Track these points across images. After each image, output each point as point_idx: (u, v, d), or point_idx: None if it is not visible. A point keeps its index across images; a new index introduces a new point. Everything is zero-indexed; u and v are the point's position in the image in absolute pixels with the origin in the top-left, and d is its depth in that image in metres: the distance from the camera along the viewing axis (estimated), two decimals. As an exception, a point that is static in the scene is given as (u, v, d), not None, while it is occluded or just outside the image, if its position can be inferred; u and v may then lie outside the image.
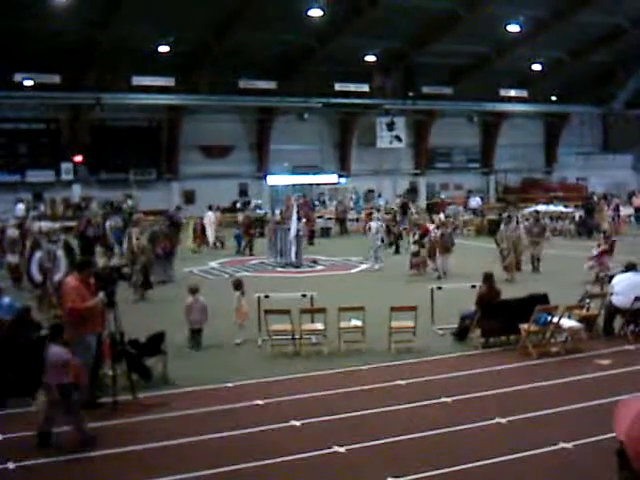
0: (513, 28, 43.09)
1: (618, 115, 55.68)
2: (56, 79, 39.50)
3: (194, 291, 15.22)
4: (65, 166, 41.64)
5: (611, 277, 16.56)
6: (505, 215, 27.17)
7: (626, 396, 2.55)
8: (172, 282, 22.78)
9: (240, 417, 10.42)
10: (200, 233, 32.45)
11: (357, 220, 39.98)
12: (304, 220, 33.16)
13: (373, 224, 26.78)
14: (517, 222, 26.13)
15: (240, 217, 33.62)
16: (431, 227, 25.65)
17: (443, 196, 48.54)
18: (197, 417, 10.51)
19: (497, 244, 23.53)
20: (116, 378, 10.86)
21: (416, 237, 24.81)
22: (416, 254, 24.10)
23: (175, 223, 30.57)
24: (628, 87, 53.13)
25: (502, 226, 24.52)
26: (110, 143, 42.57)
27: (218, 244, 32.43)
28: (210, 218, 33.12)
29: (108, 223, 28.35)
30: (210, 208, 34.02)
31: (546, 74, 51.02)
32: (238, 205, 43.27)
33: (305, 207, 37.02)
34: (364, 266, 25.97)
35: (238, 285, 15.52)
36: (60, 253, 17.83)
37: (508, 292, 16.02)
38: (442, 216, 30.51)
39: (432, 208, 41.12)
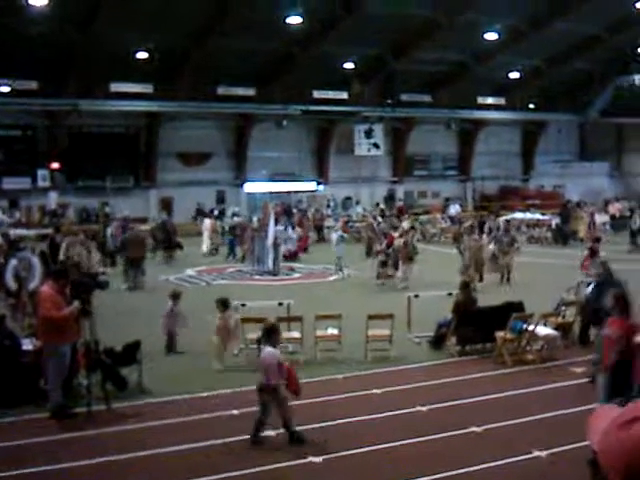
0: (491, 36, 43.39)
1: (595, 123, 56.13)
2: (33, 85, 39.21)
3: (172, 297, 15.24)
4: (41, 173, 41.20)
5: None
6: (467, 225, 27.26)
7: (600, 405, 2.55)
8: (141, 289, 22.86)
9: (215, 427, 10.35)
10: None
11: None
12: (298, 228, 33.32)
13: (333, 235, 26.62)
14: (490, 231, 26.14)
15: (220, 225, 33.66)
16: (395, 235, 25.45)
17: (401, 203, 48.43)
18: (172, 427, 10.42)
19: (461, 253, 23.45)
20: (90, 388, 10.77)
21: (382, 246, 24.68)
22: (384, 264, 23.92)
23: (169, 230, 30.50)
24: (605, 95, 53.60)
25: (465, 236, 24.58)
26: (87, 150, 42.10)
27: (213, 251, 32.30)
28: (206, 224, 33.17)
29: (109, 230, 28.79)
30: (206, 215, 33.97)
31: (524, 82, 51.41)
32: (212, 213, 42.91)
33: (299, 214, 37.32)
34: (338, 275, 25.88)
35: (224, 303, 14.27)
36: (35, 261, 17.69)
37: (484, 300, 16.06)
38: (405, 224, 30.22)
39: (398, 215, 40.97)
